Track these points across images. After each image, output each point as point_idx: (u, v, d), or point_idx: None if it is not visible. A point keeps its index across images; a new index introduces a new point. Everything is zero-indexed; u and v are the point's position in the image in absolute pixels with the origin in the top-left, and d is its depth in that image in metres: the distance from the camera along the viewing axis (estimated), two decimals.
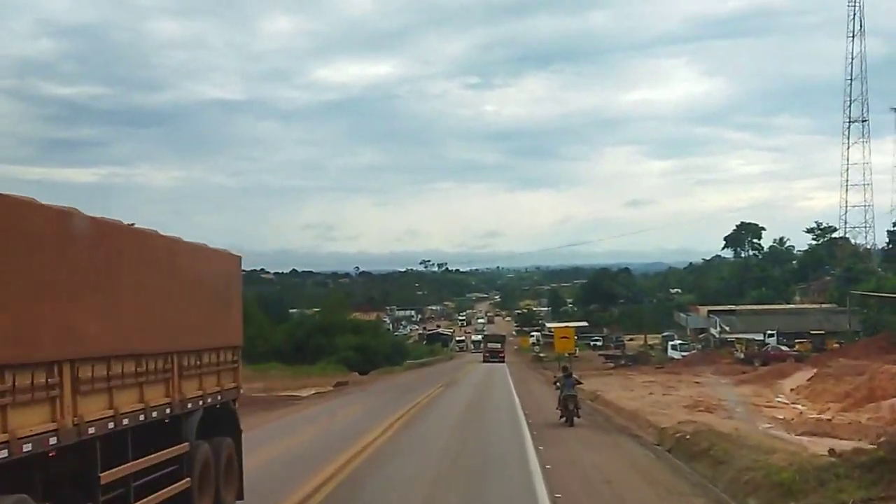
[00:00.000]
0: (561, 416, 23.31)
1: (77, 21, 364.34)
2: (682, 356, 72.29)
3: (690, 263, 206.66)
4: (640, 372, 58.05)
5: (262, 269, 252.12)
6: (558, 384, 24.42)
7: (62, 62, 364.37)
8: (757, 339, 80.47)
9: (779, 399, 35.79)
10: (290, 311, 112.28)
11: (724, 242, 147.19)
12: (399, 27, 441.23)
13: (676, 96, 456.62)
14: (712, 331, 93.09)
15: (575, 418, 23.18)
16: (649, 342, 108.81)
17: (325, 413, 26.80)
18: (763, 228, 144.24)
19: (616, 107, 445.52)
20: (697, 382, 43.39)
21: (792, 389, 39.50)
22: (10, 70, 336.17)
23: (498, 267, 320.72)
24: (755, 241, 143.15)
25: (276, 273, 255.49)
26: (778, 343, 78.49)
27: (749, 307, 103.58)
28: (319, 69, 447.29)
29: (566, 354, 61.35)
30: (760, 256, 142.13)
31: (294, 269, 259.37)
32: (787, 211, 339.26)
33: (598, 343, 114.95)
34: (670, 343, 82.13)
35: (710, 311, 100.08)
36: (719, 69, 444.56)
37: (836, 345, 72.25)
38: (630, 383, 42.61)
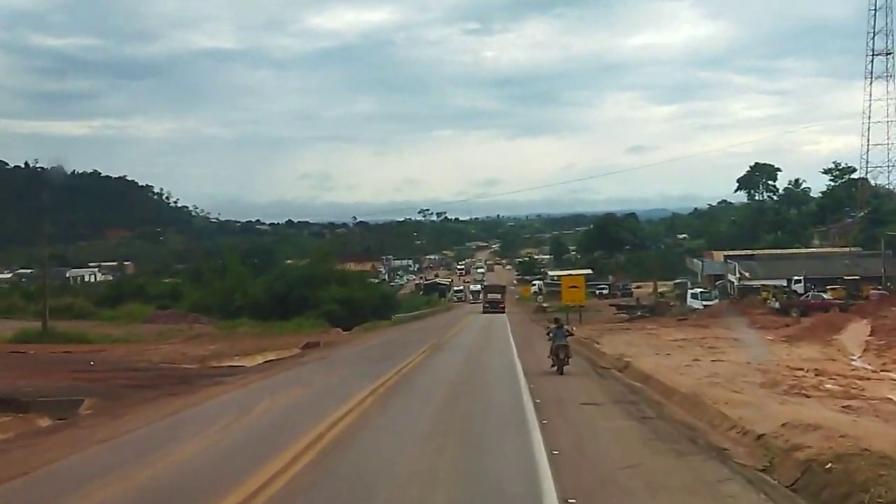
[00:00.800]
0: (552, 365, 24.26)
1: None
2: (705, 306, 64.01)
3: (695, 209, 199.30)
4: (660, 325, 49.86)
5: (257, 221, 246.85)
6: (550, 334, 25.22)
7: (52, 13, 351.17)
8: (781, 285, 72.76)
9: (855, 362, 27.66)
10: (287, 262, 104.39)
11: (737, 185, 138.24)
12: None
13: (679, 40, 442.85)
14: (730, 277, 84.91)
15: (565, 367, 24.16)
16: (660, 290, 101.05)
17: (242, 403, 17.97)
18: (779, 170, 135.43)
19: (618, 51, 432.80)
20: (737, 339, 35.35)
21: (861, 349, 31.28)
22: None
23: (498, 215, 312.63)
24: (770, 182, 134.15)
25: (271, 224, 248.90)
26: (806, 290, 70.85)
27: (768, 252, 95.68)
28: (314, 16, 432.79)
29: (576, 305, 53.58)
30: (776, 199, 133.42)
31: (290, 220, 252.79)
32: (793, 155, 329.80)
33: (605, 291, 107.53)
34: (690, 291, 73.49)
35: (726, 257, 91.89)
36: (722, 12, 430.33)
37: (874, 291, 64.55)
38: (658, 342, 34.39)
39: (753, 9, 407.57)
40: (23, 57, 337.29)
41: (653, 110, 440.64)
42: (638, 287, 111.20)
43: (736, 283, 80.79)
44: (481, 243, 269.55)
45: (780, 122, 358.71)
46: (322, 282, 72.41)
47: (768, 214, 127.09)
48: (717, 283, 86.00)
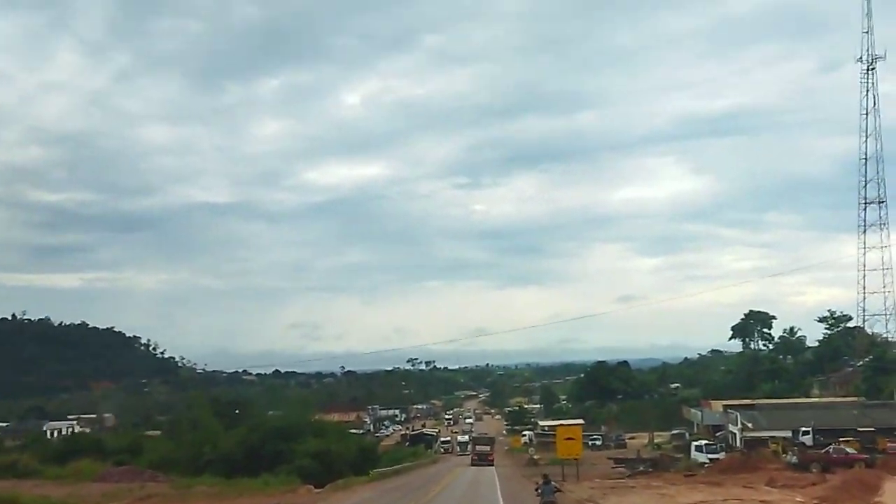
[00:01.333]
0: None
1: (66, 129, 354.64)
2: (711, 459, 57.86)
3: (686, 358, 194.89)
4: (666, 481, 44.02)
5: (244, 371, 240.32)
6: (539, 490, 25.39)
7: (51, 169, 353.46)
8: (787, 437, 67.09)
9: None
10: (270, 413, 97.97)
11: (732, 332, 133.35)
12: (388, 130, 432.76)
13: (665, 194, 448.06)
14: (731, 428, 78.89)
15: None
16: (656, 441, 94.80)
17: None
18: (773, 317, 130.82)
19: (605, 204, 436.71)
20: (763, 501, 29.89)
21: None
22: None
23: (487, 364, 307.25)
24: (765, 330, 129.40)
25: (258, 374, 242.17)
26: (815, 442, 65.21)
27: (769, 401, 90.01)
28: (308, 171, 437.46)
29: (572, 459, 47.73)
30: (771, 347, 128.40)
31: (276, 370, 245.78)
32: (780, 305, 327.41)
33: (598, 442, 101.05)
34: (694, 444, 66.98)
35: (725, 406, 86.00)
36: (707, 167, 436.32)
37: (891, 443, 59.18)
38: None
39: (737, 164, 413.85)
40: (20, 211, 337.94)
41: (640, 261, 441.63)
42: (632, 438, 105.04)
43: (738, 435, 74.79)
44: (470, 392, 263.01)
45: (767, 274, 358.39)
46: (297, 434, 66.28)
47: (764, 363, 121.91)
48: (717, 433, 79.95)
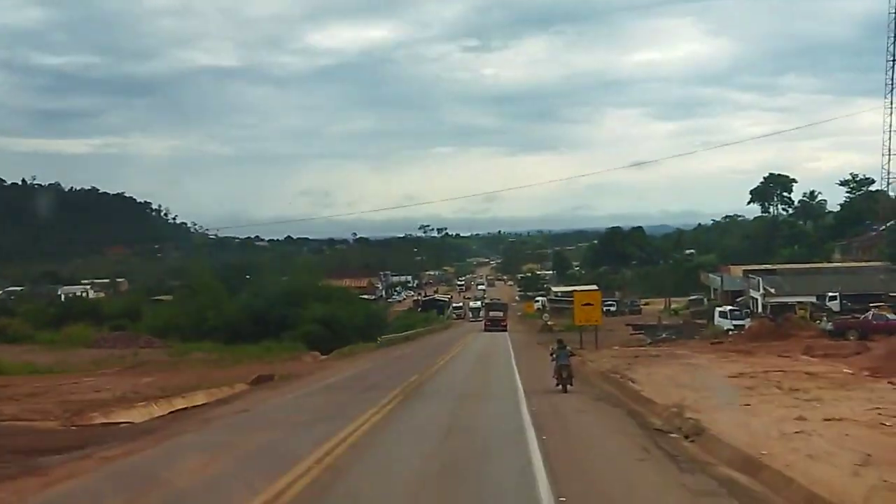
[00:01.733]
0: (556, 384, 24.70)
1: None
2: (736, 326, 54.33)
3: (699, 224, 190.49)
4: (692, 350, 40.67)
5: (256, 237, 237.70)
6: (554, 355, 25.72)
7: (51, 31, 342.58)
8: (813, 302, 63.82)
9: None
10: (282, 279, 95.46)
11: (750, 196, 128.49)
12: None
13: (681, 57, 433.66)
14: (753, 293, 75.62)
15: (569, 385, 24.58)
16: (672, 306, 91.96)
17: None
18: (794, 181, 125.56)
19: (619, 68, 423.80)
20: (809, 373, 26.43)
21: None
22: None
23: (500, 231, 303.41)
24: (785, 194, 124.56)
25: (270, 240, 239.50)
26: (842, 307, 62.00)
27: (791, 266, 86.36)
28: (313, 34, 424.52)
29: (591, 326, 44.39)
30: (792, 212, 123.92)
31: (289, 237, 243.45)
32: (795, 172, 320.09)
33: (612, 308, 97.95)
34: (718, 309, 63.27)
35: (746, 271, 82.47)
36: (724, 29, 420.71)
37: None
38: (712, 380, 25.29)
39: (754, 26, 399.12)
40: (23, 75, 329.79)
41: (654, 127, 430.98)
42: (647, 304, 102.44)
43: (760, 300, 71.51)
44: (482, 259, 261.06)
45: (782, 139, 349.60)
46: (304, 299, 63.41)
47: (782, 228, 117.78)
48: (737, 299, 76.62)
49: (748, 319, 57.21)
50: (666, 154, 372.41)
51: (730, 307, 62.65)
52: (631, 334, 56.33)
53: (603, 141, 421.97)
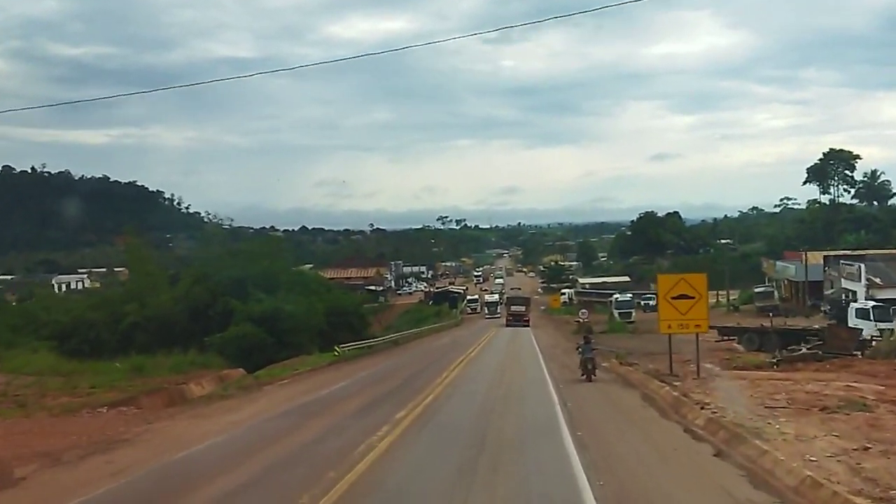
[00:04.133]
0: (582, 374, 24.52)
1: None
2: (881, 331, 34.02)
3: (725, 216, 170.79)
4: (854, 375, 20.99)
5: (271, 227, 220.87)
6: (580, 349, 25.56)
7: (69, 22, 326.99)
8: None
9: None
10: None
11: (807, 175, 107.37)
12: None
13: (700, 49, 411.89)
14: (847, 284, 55.55)
15: (593, 376, 24.24)
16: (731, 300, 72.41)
17: None
18: (858, 157, 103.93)
19: (638, 60, 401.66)
20: None
21: None
22: (17, 31, 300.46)
23: (519, 223, 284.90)
24: (847, 173, 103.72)
25: (284, 230, 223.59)
26: None
27: (883, 252, 66.24)
28: (331, 25, 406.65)
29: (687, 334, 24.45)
30: (853, 193, 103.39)
31: (304, 227, 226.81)
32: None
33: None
34: (855, 307, 41.22)
35: (829, 257, 62.51)
36: (743, 21, 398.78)
37: None
38: None
39: (774, 18, 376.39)
40: (40, 65, 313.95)
41: (674, 119, 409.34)
42: None
43: (863, 293, 51.16)
44: (501, 251, 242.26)
45: (803, 133, 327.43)
46: (259, 288, 44.32)
47: (842, 212, 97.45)
48: (828, 292, 56.55)
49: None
50: (686, 146, 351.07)
51: (872, 303, 40.83)
52: (717, 341, 36.25)
53: (623, 133, 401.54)
